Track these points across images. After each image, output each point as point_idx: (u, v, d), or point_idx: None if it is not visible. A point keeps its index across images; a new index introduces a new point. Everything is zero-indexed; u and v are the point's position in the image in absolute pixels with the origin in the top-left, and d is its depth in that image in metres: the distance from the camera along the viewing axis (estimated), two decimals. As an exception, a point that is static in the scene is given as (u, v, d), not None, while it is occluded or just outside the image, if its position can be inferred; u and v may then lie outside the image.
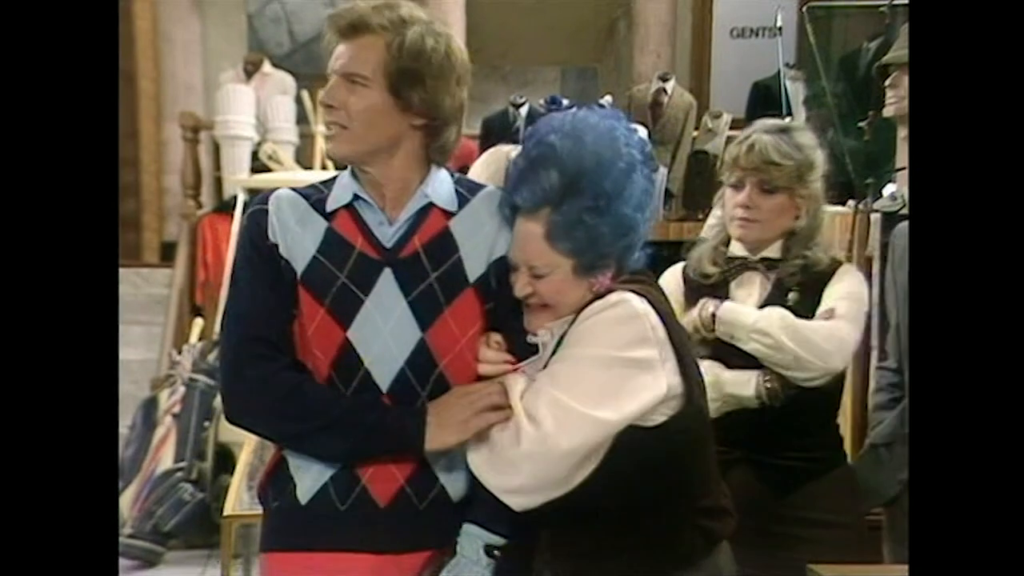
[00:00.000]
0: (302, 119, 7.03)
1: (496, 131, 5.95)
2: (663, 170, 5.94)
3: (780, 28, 4.00)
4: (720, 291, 2.01)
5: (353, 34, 1.57)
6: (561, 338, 1.54)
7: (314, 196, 1.65)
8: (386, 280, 1.59)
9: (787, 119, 2.09)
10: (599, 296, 1.52)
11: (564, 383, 1.46)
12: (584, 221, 1.46)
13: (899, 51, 2.66)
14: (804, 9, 4.14)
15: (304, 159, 6.87)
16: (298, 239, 1.59)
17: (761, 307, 1.94)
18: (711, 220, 2.16)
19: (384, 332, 1.58)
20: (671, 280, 2.09)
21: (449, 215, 1.64)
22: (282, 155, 6.52)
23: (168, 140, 7.29)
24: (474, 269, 1.63)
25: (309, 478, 1.60)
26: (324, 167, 6.52)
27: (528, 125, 6.40)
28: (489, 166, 1.83)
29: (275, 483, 1.65)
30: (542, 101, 6.52)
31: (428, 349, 1.60)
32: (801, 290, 1.98)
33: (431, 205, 1.64)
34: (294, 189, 1.67)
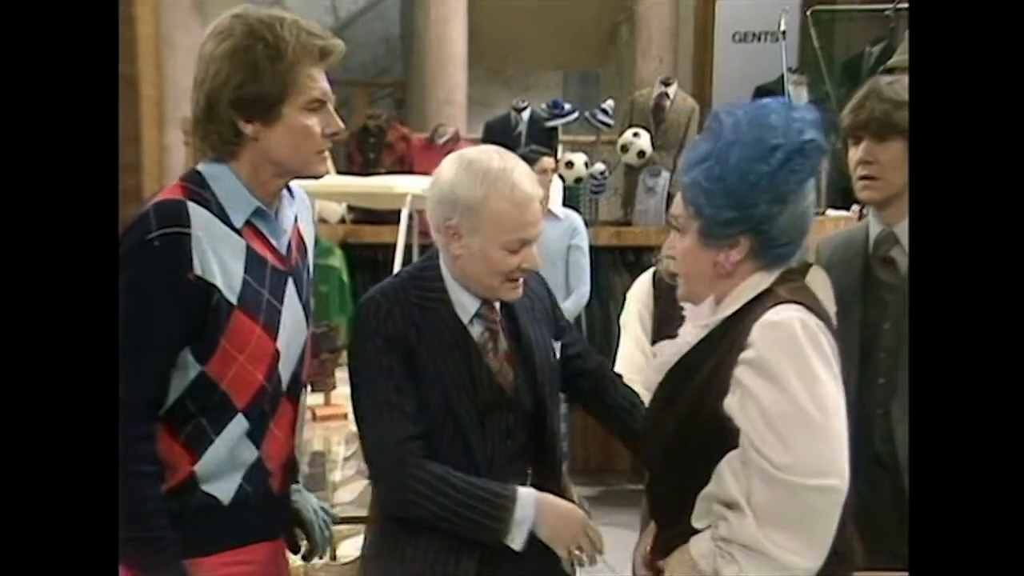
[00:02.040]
0: (304, 123, 7.04)
1: (498, 135, 5.95)
2: (665, 174, 5.95)
3: (784, 32, 3.99)
4: None
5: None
6: (711, 337, 1.49)
7: (213, 206, 1.56)
8: (291, 288, 1.65)
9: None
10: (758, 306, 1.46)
11: None
12: (701, 183, 1.46)
13: (904, 55, 2.66)
14: (808, 13, 4.14)
15: (306, 163, 6.88)
16: (227, 265, 1.55)
17: None
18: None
19: (291, 336, 1.65)
20: (642, 284, 2.09)
21: (295, 216, 1.73)
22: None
23: (170, 145, 7.29)
24: (310, 262, 1.76)
25: (225, 484, 1.62)
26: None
27: (530, 129, 6.43)
28: (457, 161, 1.79)
29: (183, 497, 1.58)
30: (544, 105, 6.53)
31: (307, 346, 1.73)
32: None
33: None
34: (192, 199, 1.55)
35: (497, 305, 1.76)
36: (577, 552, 1.66)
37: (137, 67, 7.28)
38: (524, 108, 6.35)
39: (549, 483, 1.77)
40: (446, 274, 1.72)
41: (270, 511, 1.70)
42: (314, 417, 3.38)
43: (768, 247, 1.47)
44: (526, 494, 1.65)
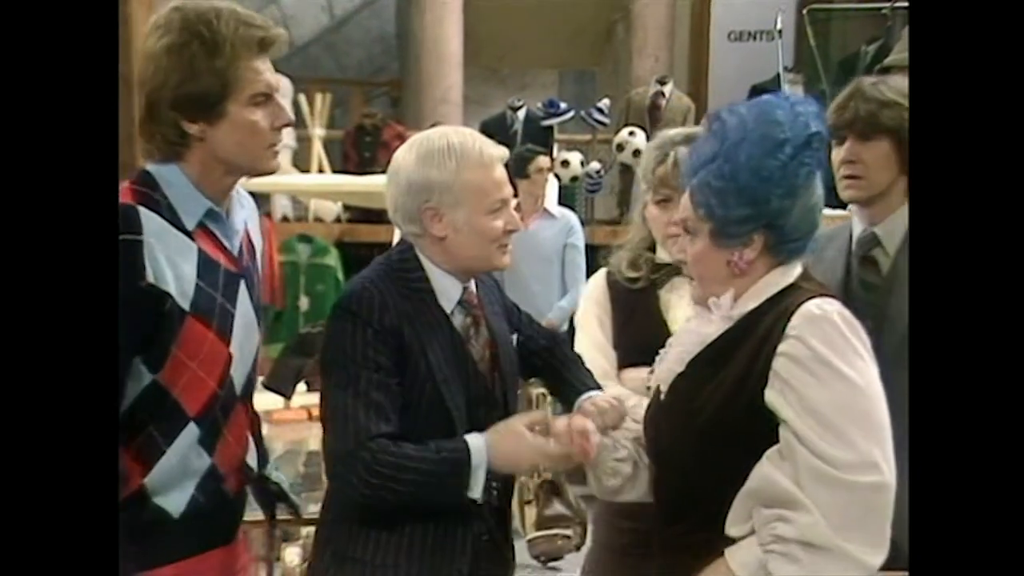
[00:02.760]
0: (299, 122, 7.01)
1: (493, 134, 5.93)
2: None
3: (780, 31, 3.99)
4: (649, 297, 2.00)
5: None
6: (738, 328, 1.48)
7: (164, 209, 1.53)
8: (243, 290, 1.63)
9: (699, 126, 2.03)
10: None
11: None
12: (711, 184, 1.46)
13: (902, 54, 2.66)
14: (805, 12, 4.14)
15: (301, 162, 6.89)
16: (179, 270, 1.51)
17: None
18: (632, 227, 2.11)
19: (244, 339, 1.63)
20: (597, 286, 2.08)
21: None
22: (279, 158, 6.50)
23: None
24: (259, 263, 1.74)
25: (176, 495, 1.59)
26: (321, 169, 6.53)
27: (526, 128, 6.42)
28: (414, 148, 1.78)
29: (133, 510, 1.54)
30: (540, 104, 6.53)
31: (259, 347, 1.71)
32: None
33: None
34: (142, 202, 1.51)
35: (474, 289, 1.75)
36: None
37: (131, 66, 7.26)
38: (520, 107, 6.36)
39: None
40: (426, 263, 1.69)
41: (225, 516, 1.68)
42: (310, 417, 3.37)
43: (782, 242, 1.47)
44: (474, 439, 1.60)
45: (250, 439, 1.72)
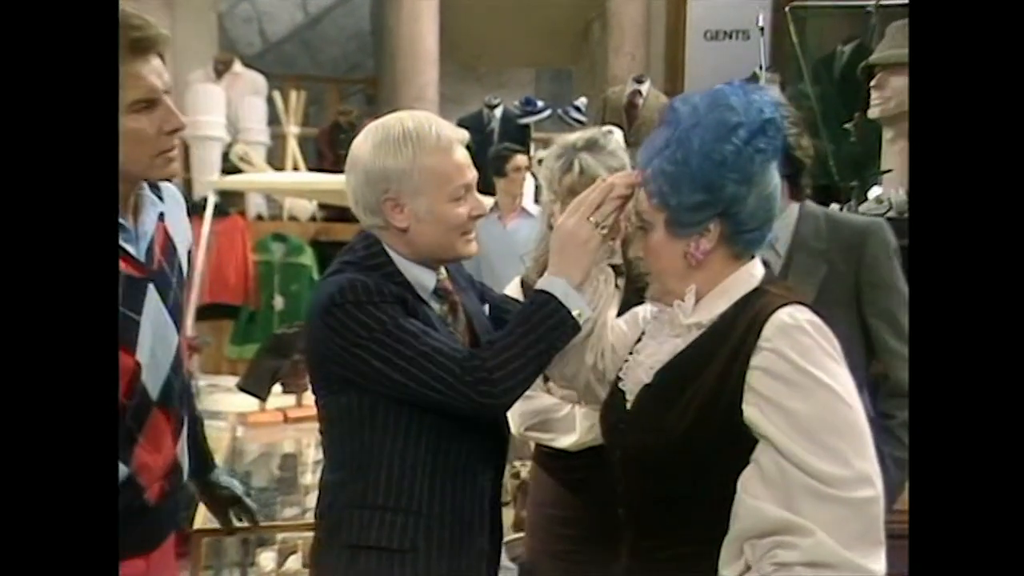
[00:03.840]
0: (274, 120, 6.96)
1: (470, 132, 5.91)
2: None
3: (762, 28, 3.98)
4: None
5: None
6: (708, 336, 1.43)
7: None
8: (152, 294, 1.60)
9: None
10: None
11: None
12: (664, 170, 1.42)
13: (884, 52, 2.64)
14: (787, 9, 4.13)
15: (275, 160, 6.81)
16: None
17: (620, 311, 1.78)
18: (537, 236, 2.10)
19: (155, 345, 1.60)
20: (513, 289, 2.06)
21: (162, 215, 1.67)
22: (253, 156, 6.46)
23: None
24: (183, 261, 1.71)
25: None
26: (296, 168, 6.46)
27: (503, 126, 6.39)
28: (369, 136, 1.73)
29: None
30: (517, 103, 6.50)
31: (180, 350, 1.69)
32: None
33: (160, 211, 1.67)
34: None
35: (447, 276, 1.71)
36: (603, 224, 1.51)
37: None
38: (496, 105, 6.33)
39: (500, 458, 1.75)
40: (394, 256, 1.64)
41: (148, 524, 1.65)
42: (285, 419, 3.33)
43: (739, 232, 1.42)
44: (543, 278, 1.55)
45: (177, 446, 1.69)
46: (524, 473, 3.75)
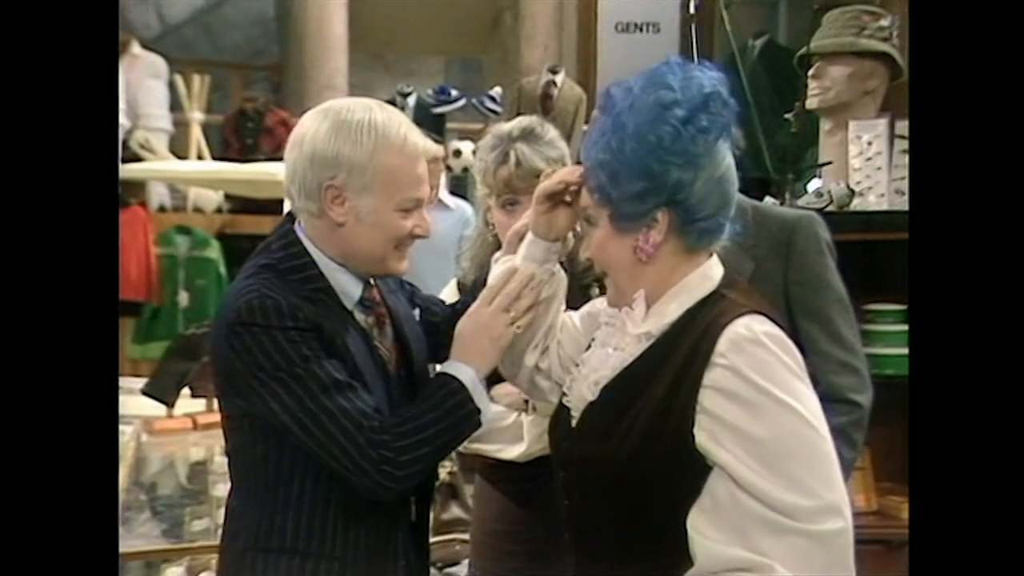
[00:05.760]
0: (176, 106, 6.68)
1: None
2: (555, 164, 5.91)
3: (694, 14, 3.99)
4: None
5: None
6: (658, 347, 1.33)
7: None
8: None
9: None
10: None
11: None
12: (602, 160, 1.32)
13: (823, 40, 2.62)
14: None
15: (179, 148, 6.54)
16: None
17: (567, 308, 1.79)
18: (473, 232, 2.03)
19: None
20: (449, 292, 1.98)
21: None
22: (155, 143, 6.21)
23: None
24: None
25: None
26: (200, 156, 6.23)
27: (417, 116, 6.29)
28: (329, 115, 1.56)
29: None
30: (430, 91, 6.40)
31: None
32: (601, 283, 1.87)
33: None
34: None
35: (374, 285, 1.59)
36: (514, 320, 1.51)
37: None
38: (409, 93, 6.22)
39: (427, 489, 1.65)
40: (318, 256, 1.51)
41: None
42: (194, 426, 3.17)
43: (689, 221, 1.32)
44: (449, 366, 1.51)
45: None
46: (443, 474, 3.67)
